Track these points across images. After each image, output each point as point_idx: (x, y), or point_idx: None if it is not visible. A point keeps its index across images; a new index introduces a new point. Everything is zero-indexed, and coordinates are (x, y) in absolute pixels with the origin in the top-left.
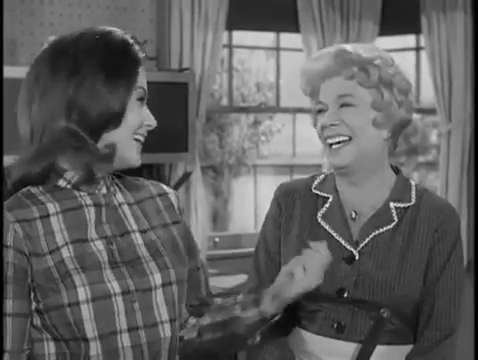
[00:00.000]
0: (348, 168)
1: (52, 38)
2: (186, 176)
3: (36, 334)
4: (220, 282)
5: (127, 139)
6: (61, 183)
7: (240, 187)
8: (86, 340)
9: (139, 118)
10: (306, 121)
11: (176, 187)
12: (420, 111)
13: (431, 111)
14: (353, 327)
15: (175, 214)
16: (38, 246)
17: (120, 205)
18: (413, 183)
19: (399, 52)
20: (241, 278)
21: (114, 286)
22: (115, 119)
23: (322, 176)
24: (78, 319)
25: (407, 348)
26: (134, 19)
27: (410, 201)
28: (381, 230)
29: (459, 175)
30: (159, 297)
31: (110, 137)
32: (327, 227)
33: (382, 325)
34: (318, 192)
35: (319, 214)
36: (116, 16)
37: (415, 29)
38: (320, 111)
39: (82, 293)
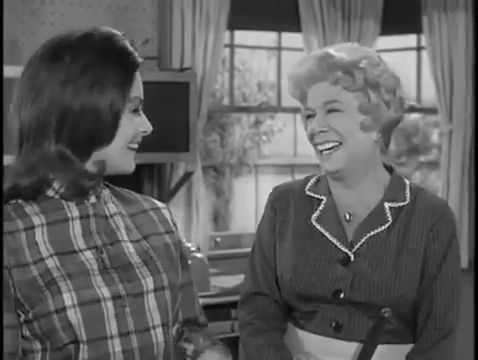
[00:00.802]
0: (340, 172)
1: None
2: (187, 176)
3: (26, 345)
4: (221, 282)
5: (121, 151)
6: (49, 193)
7: (241, 187)
8: (76, 344)
9: (134, 129)
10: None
11: (177, 187)
12: (421, 111)
13: (432, 111)
14: (351, 327)
15: (169, 226)
16: (22, 257)
17: (112, 216)
18: (407, 182)
19: (400, 52)
20: (242, 278)
21: (103, 291)
22: (108, 132)
23: (315, 178)
24: (66, 325)
25: (406, 347)
26: (135, 19)
27: (405, 200)
28: (376, 231)
29: (460, 175)
30: (151, 302)
31: (103, 152)
32: (322, 229)
33: (383, 325)
34: (312, 194)
35: (313, 216)
36: (117, 16)
37: (416, 29)
38: (309, 116)
39: (68, 299)
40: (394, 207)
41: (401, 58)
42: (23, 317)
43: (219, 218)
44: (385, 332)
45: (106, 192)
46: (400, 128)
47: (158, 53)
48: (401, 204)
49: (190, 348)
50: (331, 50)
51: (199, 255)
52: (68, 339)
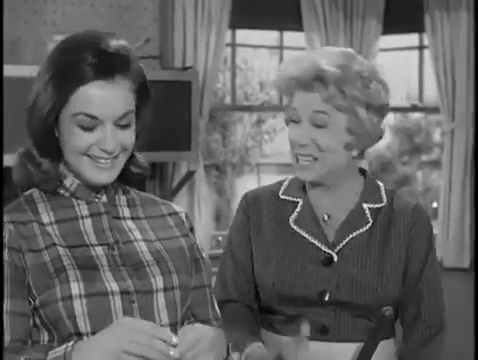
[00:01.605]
0: (315, 182)
1: (55, 37)
2: (189, 175)
3: (34, 335)
4: None
5: (77, 161)
6: (60, 190)
7: (243, 186)
8: (79, 335)
9: (80, 144)
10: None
11: (179, 186)
12: (423, 110)
13: (434, 110)
14: (336, 328)
15: (185, 229)
16: (34, 243)
17: (125, 218)
18: (381, 184)
19: (402, 51)
20: None
21: (112, 285)
22: (44, 142)
23: (287, 181)
24: (71, 314)
25: (388, 342)
26: (137, 17)
27: (382, 202)
28: (358, 231)
29: (462, 174)
30: (160, 301)
31: (65, 157)
32: (300, 231)
33: (385, 324)
34: (286, 197)
35: (291, 219)
36: (119, 14)
37: (419, 28)
38: (293, 121)
39: (75, 288)
40: (373, 208)
41: (403, 57)
42: (32, 304)
43: (221, 217)
44: (365, 330)
45: (122, 196)
46: (402, 127)
47: (160, 52)
48: (379, 205)
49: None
50: (324, 65)
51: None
52: (72, 329)
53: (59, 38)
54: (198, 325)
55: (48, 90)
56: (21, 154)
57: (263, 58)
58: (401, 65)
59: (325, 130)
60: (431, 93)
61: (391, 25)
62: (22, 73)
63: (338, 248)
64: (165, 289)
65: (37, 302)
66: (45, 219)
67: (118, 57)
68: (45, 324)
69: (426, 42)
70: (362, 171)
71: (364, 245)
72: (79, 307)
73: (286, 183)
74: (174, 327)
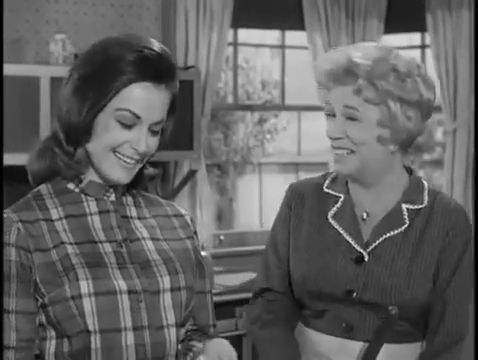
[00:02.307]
0: (352, 176)
1: (57, 36)
2: (191, 174)
3: (40, 332)
4: (225, 280)
5: (103, 154)
6: (70, 186)
7: (245, 185)
8: (88, 332)
9: (115, 139)
10: (311, 119)
11: (181, 185)
12: None
13: (436, 109)
14: (361, 327)
15: (190, 232)
16: (42, 242)
17: (132, 218)
18: (426, 184)
19: (404, 50)
20: (246, 276)
21: (120, 284)
22: (80, 133)
23: (334, 175)
24: (80, 312)
25: (415, 346)
26: (139, 17)
27: (422, 203)
28: (392, 233)
29: (464, 173)
30: (167, 301)
31: (89, 148)
32: (337, 226)
33: (391, 323)
34: (329, 191)
35: (330, 213)
36: (121, 14)
37: (420, 27)
38: (329, 115)
39: (84, 286)
40: (412, 209)
41: None
42: (40, 302)
43: (223, 216)
44: (394, 332)
45: (129, 198)
46: None
47: None
48: (419, 207)
49: (199, 345)
50: (357, 58)
51: (203, 253)
52: (81, 327)
53: (61, 37)
54: (219, 340)
55: (96, 82)
56: (49, 138)
57: (265, 57)
58: None
59: (357, 124)
60: None
61: (393, 24)
62: (24, 72)
63: (370, 248)
64: (172, 289)
65: (46, 300)
66: (54, 215)
67: (170, 65)
68: (52, 322)
69: (428, 41)
70: (408, 169)
71: (397, 247)
72: (88, 305)
73: (332, 176)
74: (178, 327)
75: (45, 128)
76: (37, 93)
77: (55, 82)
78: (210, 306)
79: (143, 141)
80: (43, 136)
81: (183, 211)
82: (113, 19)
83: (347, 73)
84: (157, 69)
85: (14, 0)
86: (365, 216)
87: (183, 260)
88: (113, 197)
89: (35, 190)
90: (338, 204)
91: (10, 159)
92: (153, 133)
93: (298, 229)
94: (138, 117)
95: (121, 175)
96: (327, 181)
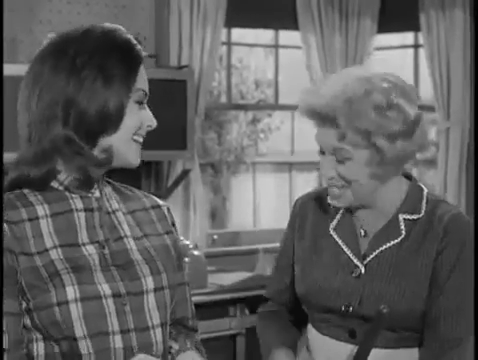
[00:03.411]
0: (349, 207)
1: (51, 35)
2: (185, 173)
3: (26, 334)
4: (219, 279)
5: (126, 141)
6: (53, 184)
7: (239, 184)
8: (75, 339)
9: (138, 120)
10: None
11: (174, 185)
12: (419, 108)
13: (430, 108)
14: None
15: (168, 225)
16: (26, 246)
17: (114, 211)
18: (425, 193)
19: (398, 50)
20: (240, 275)
21: (104, 288)
22: (113, 122)
23: None
24: (67, 318)
25: (412, 351)
26: (133, 16)
27: (420, 213)
28: (388, 244)
29: (458, 172)
30: (151, 301)
31: (108, 140)
32: (337, 239)
33: (382, 322)
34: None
35: (331, 225)
36: (115, 13)
37: (414, 27)
38: (321, 152)
39: (71, 293)
40: (409, 219)
41: (398, 56)
42: (24, 306)
43: (216, 216)
44: (392, 339)
45: (108, 189)
46: None
47: (155, 51)
48: (416, 217)
49: (175, 347)
50: (333, 97)
51: (196, 252)
52: (65, 333)
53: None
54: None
55: (117, 65)
56: (52, 141)
57: (259, 57)
58: (396, 64)
59: (348, 164)
60: (426, 92)
61: (386, 24)
62: (18, 72)
63: (367, 260)
64: (155, 289)
65: (31, 305)
66: (40, 211)
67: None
68: (37, 326)
69: (421, 41)
70: (408, 176)
71: (393, 258)
72: (75, 311)
73: None
74: (164, 327)
75: None
76: None
77: None
78: (188, 298)
79: (152, 116)
80: None
81: (160, 202)
82: (107, 19)
83: (327, 118)
84: (139, 49)
85: (8, 0)
86: (363, 233)
87: (164, 258)
88: (97, 193)
89: (17, 190)
90: (338, 216)
91: (6, 160)
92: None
93: (301, 241)
94: (147, 94)
95: (138, 158)
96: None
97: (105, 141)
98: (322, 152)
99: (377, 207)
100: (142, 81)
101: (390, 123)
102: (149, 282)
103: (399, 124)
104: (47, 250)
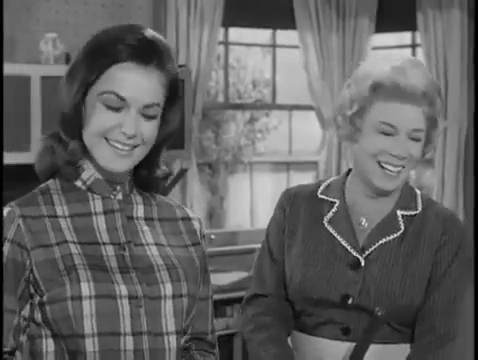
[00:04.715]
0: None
1: (48, 35)
2: (182, 173)
3: (36, 330)
4: (216, 279)
5: (96, 142)
6: (77, 183)
7: (236, 184)
8: (83, 336)
9: (102, 123)
10: (302, 118)
11: (172, 184)
12: None
13: None
14: (358, 329)
15: (196, 238)
16: (44, 238)
17: (138, 218)
18: (418, 192)
19: (395, 49)
20: (237, 275)
21: (121, 289)
22: (72, 122)
23: (327, 182)
24: (78, 314)
25: (403, 347)
26: (130, 16)
27: (416, 209)
28: (388, 238)
29: (455, 172)
30: (168, 308)
31: (84, 138)
32: (333, 232)
33: (378, 324)
34: (324, 197)
35: (325, 218)
36: (112, 13)
37: (411, 26)
38: (384, 133)
39: (85, 289)
40: (406, 215)
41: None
42: (37, 299)
43: (214, 215)
44: (384, 333)
45: (138, 196)
46: None
47: None
48: (413, 213)
49: None
50: (429, 78)
51: None
52: (74, 330)
53: (51, 36)
54: None
55: (82, 66)
56: (50, 135)
57: (256, 56)
58: None
59: (419, 144)
60: None
61: (384, 23)
62: (15, 71)
63: (366, 253)
64: (174, 296)
65: (45, 298)
66: (59, 211)
67: (156, 46)
68: (48, 321)
69: (419, 40)
70: None
71: (393, 252)
72: (88, 308)
73: (326, 183)
74: (179, 335)
75: (36, 127)
76: (28, 92)
77: (46, 81)
78: (210, 313)
79: (131, 124)
80: (34, 135)
81: (192, 214)
82: (104, 18)
83: (425, 96)
84: (141, 49)
85: None
86: (364, 222)
87: (187, 268)
88: (120, 196)
89: (43, 184)
90: (334, 209)
91: (6, 160)
92: (147, 118)
93: (293, 234)
94: (123, 99)
95: (116, 163)
96: (321, 187)
97: (78, 139)
98: (389, 134)
99: (377, 200)
100: (111, 84)
101: (441, 107)
102: (168, 288)
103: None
104: (67, 241)
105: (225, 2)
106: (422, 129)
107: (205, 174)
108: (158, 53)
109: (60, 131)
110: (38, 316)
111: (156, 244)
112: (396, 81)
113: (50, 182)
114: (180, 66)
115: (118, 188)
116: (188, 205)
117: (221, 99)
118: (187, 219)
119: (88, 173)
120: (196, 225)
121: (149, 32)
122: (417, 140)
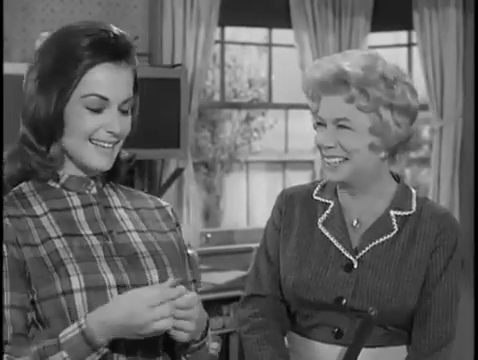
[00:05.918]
0: (344, 183)
1: (44, 34)
2: (178, 172)
3: (32, 330)
4: (212, 278)
5: (80, 145)
6: (50, 183)
7: (232, 183)
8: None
9: (88, 126)
10: (298, 117)
11: (168, 183)
12: None
13: (423, 107)
14: (351, 333)
15: (172, 224)
16: (29, 237)
17: (116, 207)
18: (413, 191)
19: (391, 48)
20: (233, 274)
21: (109, 278)
22: (53, 128)
23: (323, 182)
24: (72, 307)
25: (401, 349)
26: (126, 15)
27: (410, 209)
28: (381, 239)
29: (451, 171)
30: None
31: (61, 143)
32: (327, 233)
33: (371, 324)
34: (319, 198)
35: (319, 220)
36: (108, 12)
37: (407, 25)
38: (319, 124)
39: (76, 282)
40: (400, 215)
41: (392, 55)
42: (30, 298)
43: (210, 214)
44: (380, 336)
45: (109, 188)
46: None
47: (149, 49)
48: (407, 213)
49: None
50: (347, 67)
51: (190, 251)
52: (71, 323)
53: (47, 35)
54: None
55: (56, 74)
56: (19, 142)
57: (252, 55)
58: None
59: (349, 132)
60: (420, 90)
61: (379, 22)
62: (11, 70)
63: (360, 255)
64: (160, 282)
65: (35, 296)
66: (38, 211)
67: (127, 43)
68: (41, 320)
69: (414, 39)
70: (396, 177)
71: (386, 253)
72: (79, 301)
73: (321, 184)
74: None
75: None
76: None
77: None
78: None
79: (116, 122)
80: None
81: (164, 203)
82: (100, 17)
83: (338, 82)
84: (114, 48)
85: None
86: (355, 223)
87: (170, 253)
88: (94, 190)
89: (16, 188)
90: (328, 211)
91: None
92: (123, 113)
93: (288, 235)
94: (106, 99)
95: (102, 162)
96: (317, 188)
97: (58, 143)
98: (320, 124)
99: (368, 200)
100: (93, 87)
101: (395, 97)
102: (153, 275)
103: (402, 101)
104: (51, 238)
105: (221, 1)
106: (348, 118)
107: (201, 173)
108: (128, 49)
109: (33, 139)
110: (32, 315)
111: (137, 231)
112: (308, 74)
113: (23, 185)
114: (176, 65)
115: (92, 183)
116: (184, 204)
117: (217, 98)
118: (161, 208)
119: (61, 172)
120: (170, 212)
121: (115, 29)
122: (342, 126)
